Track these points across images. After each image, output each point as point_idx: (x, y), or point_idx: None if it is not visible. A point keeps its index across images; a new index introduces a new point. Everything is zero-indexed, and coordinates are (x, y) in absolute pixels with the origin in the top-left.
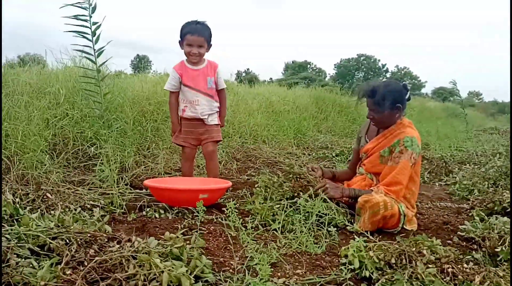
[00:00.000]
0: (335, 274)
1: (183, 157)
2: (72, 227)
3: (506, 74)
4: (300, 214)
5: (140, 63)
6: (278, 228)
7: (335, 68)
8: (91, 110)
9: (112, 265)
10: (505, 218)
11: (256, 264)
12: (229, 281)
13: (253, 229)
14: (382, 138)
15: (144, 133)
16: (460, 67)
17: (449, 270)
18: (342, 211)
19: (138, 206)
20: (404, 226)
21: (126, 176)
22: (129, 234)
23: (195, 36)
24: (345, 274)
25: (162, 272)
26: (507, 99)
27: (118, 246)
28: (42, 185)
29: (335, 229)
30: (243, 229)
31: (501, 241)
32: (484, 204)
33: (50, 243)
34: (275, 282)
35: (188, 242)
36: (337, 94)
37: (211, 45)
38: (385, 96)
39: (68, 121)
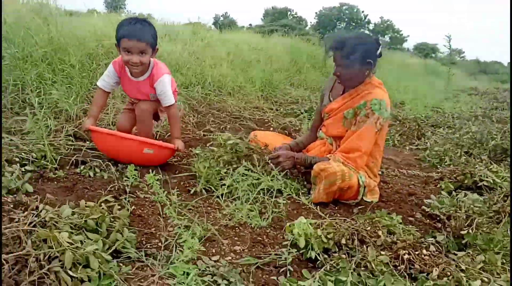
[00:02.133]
0: (275, 254)
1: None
2: None
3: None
4: (248, 181)
5: (114, 2)
6: (223, 194)
7: (316, 17)
8: (34, 51)
9: (8, 238)
10: (475, 195)
11: (184, 241)
12: (151, 260)
13: (194, 195)
14: (348, 98)
15: (94, 79)
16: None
17: (405, 257)
18: (293, 183)
19: (73, 161)
20: (364, 198)
21: (69, 127)
22: (55, 195)
23: (134, 41)
24: (287, 256)
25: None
26: (489, 59)
27: (23, 214)
28: None
29: (285, 200)
30: (170, 201)
31: (468, 221)
32: (454, 175)
33: None
34: (204, 262)
35: (111, 211)
36: (314, 44)
37: (157, 49)
38: (354, 49)
39: (8, 61)
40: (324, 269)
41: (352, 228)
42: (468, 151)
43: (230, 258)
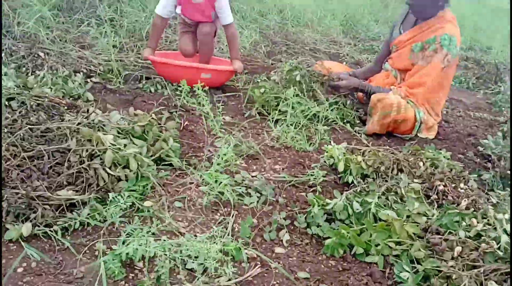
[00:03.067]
0: (311, 175)
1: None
2: (33, 90)
3: None
4: (302, 107)
5: None
6: (273, 118)
7: None
8: None
9: (55, 135)
10: None
11: (223, 154)
12: (191, 169)
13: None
14: (418, 30)
15: None
16: None
17: (440, 188)
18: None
19: (138, 77)
20: (419, 134)
21: (141, 45)
22: (115, 105)
23: None
24: (318, 176)
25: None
26: None
27: (74, 116)
28: (41, 43)
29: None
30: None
31: None
32: None
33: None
34: (241, 176)
35: (160, 123)
36: None
37: None
38: None
39: None
40: (353, 191)
41: (394, 157)
42: None
43: (268, 175)
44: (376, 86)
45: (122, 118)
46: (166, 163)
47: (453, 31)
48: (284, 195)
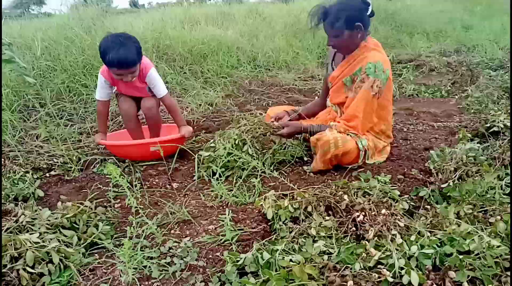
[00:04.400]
0: (239, 230)
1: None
2: None
3: None
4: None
5: None
6: (217, 179)
7: None
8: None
9: None
10: (469, 145)
11: (147, 228)
12: (120, 248)
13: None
14: (345, 65)
15: None
16: None
17: (358, 218)
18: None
19: (93, 161)
20: (367, 161)
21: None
22: (68, 196)
23: (124, 69)
24: (228, 232)
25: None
26: None
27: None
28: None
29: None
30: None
31: (455, 174)
32: (471, 123)
33: None
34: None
35: (91, 208)
36: None
37: (141, 57)
38: (338, 16)
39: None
40: (267, 240)
41: (319, 196)
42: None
43: (200, 238)
44: (317, 125)
45: (53, 213)
46: (100, 246)
47: (376, 58)
48: (208, 257)
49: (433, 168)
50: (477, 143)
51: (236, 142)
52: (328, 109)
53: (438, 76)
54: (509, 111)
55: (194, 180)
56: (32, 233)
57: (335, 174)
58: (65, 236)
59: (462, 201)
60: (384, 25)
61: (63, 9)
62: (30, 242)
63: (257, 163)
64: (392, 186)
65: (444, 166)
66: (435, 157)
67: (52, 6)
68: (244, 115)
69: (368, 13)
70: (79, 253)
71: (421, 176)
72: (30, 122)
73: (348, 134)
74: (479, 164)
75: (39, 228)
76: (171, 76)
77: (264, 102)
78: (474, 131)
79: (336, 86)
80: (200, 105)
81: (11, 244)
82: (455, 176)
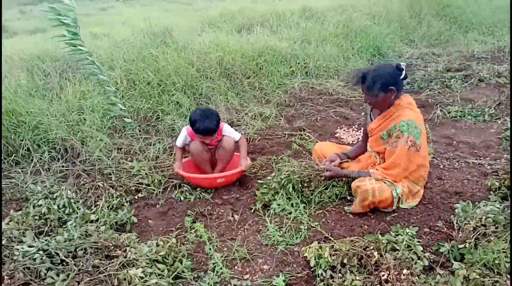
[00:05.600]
0: (287, 273)
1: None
2: (89, 238)
3: None
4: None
5: None
6: (269, 216)
7: None
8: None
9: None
10: (490, 206)
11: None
12: (199, 282)
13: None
14: (382, 120)
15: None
16: None
17: (383, 278)
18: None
19: (171, 186)
20: (400, 205)
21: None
22: (154, 220)
23: (208, 137)
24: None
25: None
26: None
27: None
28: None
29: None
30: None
31: (475, 233)
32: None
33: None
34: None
35: (179, 241)
36: None
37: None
38: (374, 81)
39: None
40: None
41: (352, 249)
42: None
43: (257, 277)
44: (356, 171)
45: (150, 248)
46: (182, 277)
47: (408, 116)
48: None
49: (456, 223)
50: (501, 196)
51: (284, 183)
52: (369, 154)
53: (486, 88)
54: None
55: (252, 211)
56: (138, 268)
57: (371, 217)
58: (159, 269)
59: (473, 265)
60: (438, 19)
61: None
62: (137, 277)
63: (304, 207)
64: (418, 241)
65: (465, 224)
66: (460, 211)
67: None
68: (289, 160)
69: (402, 77)
70: (169, 283)
71: (445, 229)
72: (115, 139)
73: (385, 182)
74: (497, 225)
75: (141, 263)
76: (231, 91)
77: (313, 117)
78: (505, 175)
79: (374, 137)
80: (254, 117)
81: (125, 279)
82: (473, 236)
